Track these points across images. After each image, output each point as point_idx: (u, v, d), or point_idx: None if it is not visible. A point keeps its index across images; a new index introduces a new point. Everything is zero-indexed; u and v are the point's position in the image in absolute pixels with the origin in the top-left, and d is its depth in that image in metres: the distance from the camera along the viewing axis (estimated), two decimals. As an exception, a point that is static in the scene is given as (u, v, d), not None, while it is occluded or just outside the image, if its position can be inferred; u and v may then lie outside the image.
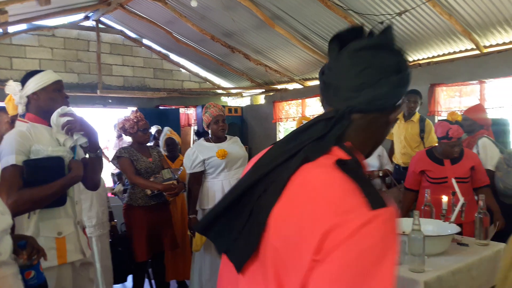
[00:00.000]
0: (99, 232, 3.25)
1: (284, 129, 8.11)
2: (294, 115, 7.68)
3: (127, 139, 3.48)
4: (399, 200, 3.70)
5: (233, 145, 3.31)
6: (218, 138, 3.29)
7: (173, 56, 8.31)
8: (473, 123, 3.66)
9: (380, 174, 3.85)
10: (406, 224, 2.37)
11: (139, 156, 3.39)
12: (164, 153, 3.97)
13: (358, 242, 0.66)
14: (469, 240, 2.49)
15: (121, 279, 3.46)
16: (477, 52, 4.96)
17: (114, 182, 5.95)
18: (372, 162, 3.88)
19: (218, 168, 3.20)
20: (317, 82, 5.03)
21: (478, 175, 2.99)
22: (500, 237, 2.62)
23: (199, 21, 6.29)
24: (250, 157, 1.75)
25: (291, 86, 7.76)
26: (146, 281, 3.60)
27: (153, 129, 5.39)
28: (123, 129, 3.44)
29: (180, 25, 6.57)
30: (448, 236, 2.27)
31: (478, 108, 3.83)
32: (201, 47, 7.35)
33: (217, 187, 3.20)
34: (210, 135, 3.33)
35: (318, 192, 0.74)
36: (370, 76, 0.81)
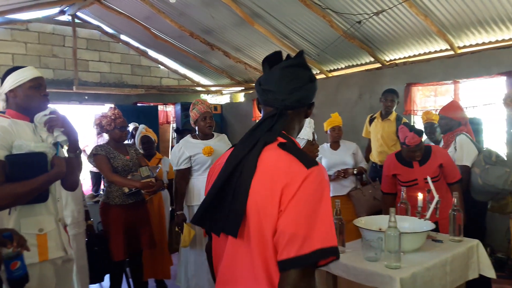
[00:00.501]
0: (75, 231, 3.19)
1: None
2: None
3: (107, 137, 3.43)
4: (374, 196, 3.74)
5: (220, 143, 3.29)
6: (205, 135, 3.27)
7: (151, 53, 8.21)
8: (450, 121, 3.66)
9: (355, 172, 3.89)
10: (382, 221, 2.41)
11: (116, 154, 3.33)
12: (140, 151, 3.91)
13: (304, 191, 1.06)
14: (444, 237, 2.56)
15: (98, 279, 3.41)
16: (451, 52, 5.07)
17: (94, 184, 5.80)
18: (347, 160, 3.91)
19: (204, 165, 3.18)
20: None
21: (448, 171, 3.03)
22: (472, 233, 2.69)
23: (178, 17, 6.23)
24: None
25: (271, 84, 7.77)
26: (124, 280, 3.56)
27: (130, 127, 5.30)
28: (99, 126, 3.37)
29: (158, 21, 6.49)
30: (423, 233, 2.32)
31: (453, 106, 3.83)
32: (180, 43, 7.28)
33: (203, 184, 3.13)
34: (197, 132, 3.30)
35: (273, 165, 1.12)
36: (296, 84, 1.20)
